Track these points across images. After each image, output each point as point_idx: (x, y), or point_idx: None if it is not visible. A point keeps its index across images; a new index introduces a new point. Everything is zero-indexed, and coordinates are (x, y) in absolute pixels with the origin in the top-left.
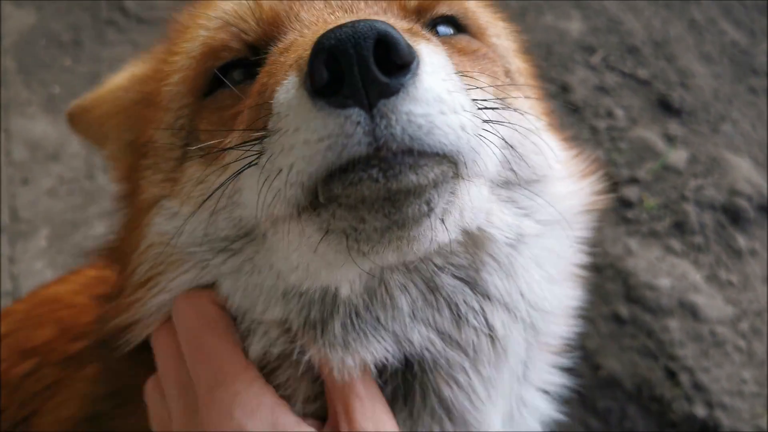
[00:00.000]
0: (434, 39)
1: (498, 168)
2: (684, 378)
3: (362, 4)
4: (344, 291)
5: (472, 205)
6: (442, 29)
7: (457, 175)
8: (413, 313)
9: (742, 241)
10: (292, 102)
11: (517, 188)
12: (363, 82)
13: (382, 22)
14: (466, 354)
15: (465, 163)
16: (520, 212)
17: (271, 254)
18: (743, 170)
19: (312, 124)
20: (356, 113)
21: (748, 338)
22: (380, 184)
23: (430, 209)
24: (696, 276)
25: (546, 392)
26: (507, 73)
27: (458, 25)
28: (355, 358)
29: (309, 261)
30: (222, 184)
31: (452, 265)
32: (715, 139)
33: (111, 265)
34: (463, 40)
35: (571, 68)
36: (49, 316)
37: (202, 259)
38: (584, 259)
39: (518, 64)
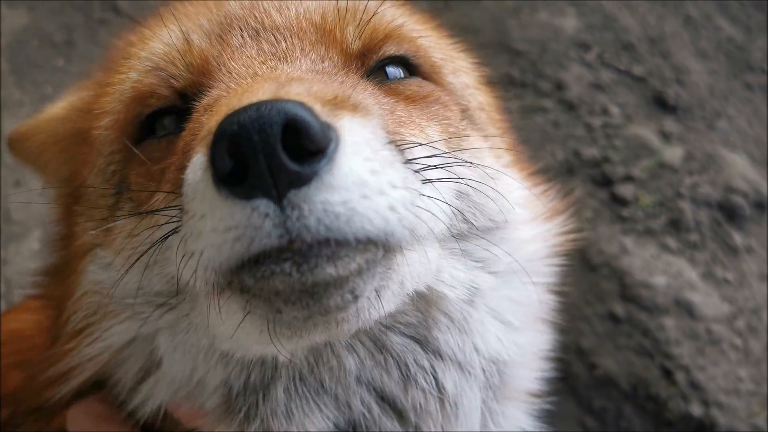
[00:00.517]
0: (367, 101)
1: (449, 223)
2: (680, 377)
3: (298, 51)
4: (282, 358)
5: (415, 272)
6: (392, 71)
7: (391, 251)
8: (360, 375)
9: (738, 238)
10: (198, 186)
11: (472, 239)
12: (270, 171)
13: (294, 102)
14: (404, 420)
15: (398, 242)
16: (474, 265)
17: (204, 316)
18: (739, 167)
19: (217, 213)
20: (264, 204)
21: (745, 336)
22: (294, 278)
23: (356, 297)
24: (692, 274)
25: None
26: (464, 111)
27: (410, 66)
28: (296, 428)
29: (236, 335)
30: (152, 245)
31: (401, 323)
32: (711, 136)
33: (45, 310)
34: (413, 84)
35: (566, 65)
36: (16, 357)
37: (139, 311)
38: (552, 302)
39: (479, 99)
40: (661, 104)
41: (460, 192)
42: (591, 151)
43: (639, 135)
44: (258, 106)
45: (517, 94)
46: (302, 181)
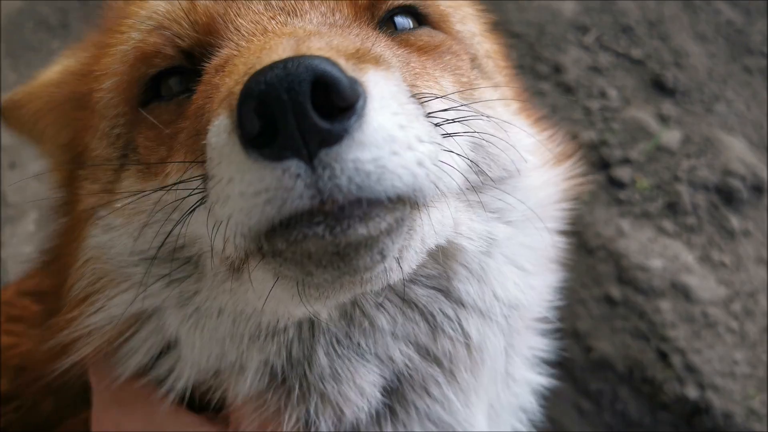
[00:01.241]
0: (386, 54)
1: (466, 176)
2: (676, 359)
3: (307, 4)
4: (324, 316)
5: (436, 228)
6: (401, 21)
7: (416, 208)
8: (393, 330)
9: (735, 221)
10: (223, 149)
11: (487, 189)
12: (300, 130)
13: (320, 58)
14: (441, 366)
15: (424, 198)
16: (490, 216)
17: (217, 297)
18: (737, 150)
19: (246, 176)
20: (295, 165)
21: (741, 319)
22: (327, 240)
23: (383, 256)
24: (688, 257)
25: (534, 363)
26: (473, 60)
27: (418, 15)
28: (351, 388)
29: (267, 301)
30: (177, 222)
31: (423, 276)
32: (709, 119)
33: (49, 279)
34: (423, 34)
35: (564, 48)
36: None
37: (141, 282)
38: (563, 243)
39: (486, 47)
40: (660, 87)
41: (475, 144)
42: (588, 134)
43: (637, 118)
44: (284, 63)
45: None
46: (333, 139)
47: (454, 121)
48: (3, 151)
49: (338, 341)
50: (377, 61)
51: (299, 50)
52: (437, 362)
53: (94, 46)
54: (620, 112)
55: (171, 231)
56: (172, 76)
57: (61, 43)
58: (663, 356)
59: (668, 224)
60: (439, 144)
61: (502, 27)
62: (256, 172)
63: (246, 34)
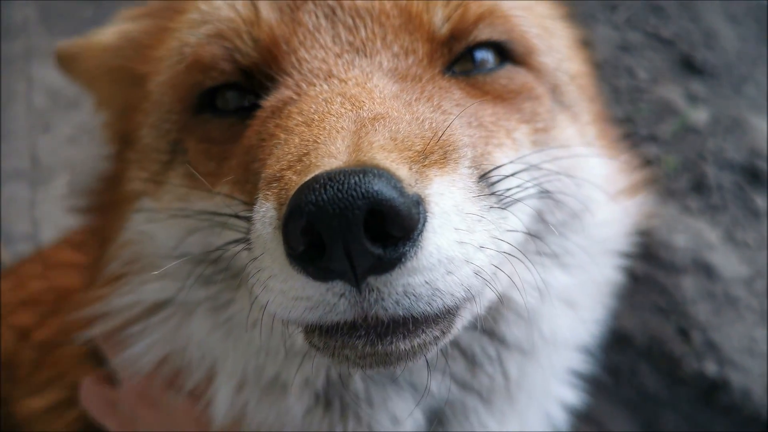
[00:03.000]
0: (456, 137)
1: (527, 226)
2: (695, 336)
3: (379, 42)
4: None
5: (484, 301)
6: (481, 56)
7: (467, 303)
8: (427, 364)
9: (759, 201)
10: (268, 244)
11: (548, 235)
12: (349, 254)
13: (380, 177)
14: (480, 396)
15: (476, 296)
16: (548, 262)
17: (253, 310)
18: (764, 131)
19: (289, 281)
20: (340, 286)
21: (762, 298)
22: (366, 350)
23: (427, 353)
24: (712, 235)
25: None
26: (555, 91)
27: (502, 50)
28: (385, 414)
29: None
30: (219, 248)
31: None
32: (738, 100)
33: (87, 246)
34: (503, 77)
35: (593, 26)
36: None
37: (177, 274)
38: (621, 278)
39: (571, 69)
40: (689, 67)
41: (542, 189)
42: (615, 112)
43: (664, 97)
44: (339, 183)
45: None
46: (384, 267)
47: (519, 186)
48: (37, 114)
49: None
50: (445, 157)
51: (359, 153)
52: (476, 393)
53: (156, 17)
54: (648, 91)
55: (213, 245)
56: (230, 89)
57: (93, 11)
58: (683, 332)
59: (693, 203)
60: (499, 239)
61: None
62: (300, 281)
63: (308, 74)
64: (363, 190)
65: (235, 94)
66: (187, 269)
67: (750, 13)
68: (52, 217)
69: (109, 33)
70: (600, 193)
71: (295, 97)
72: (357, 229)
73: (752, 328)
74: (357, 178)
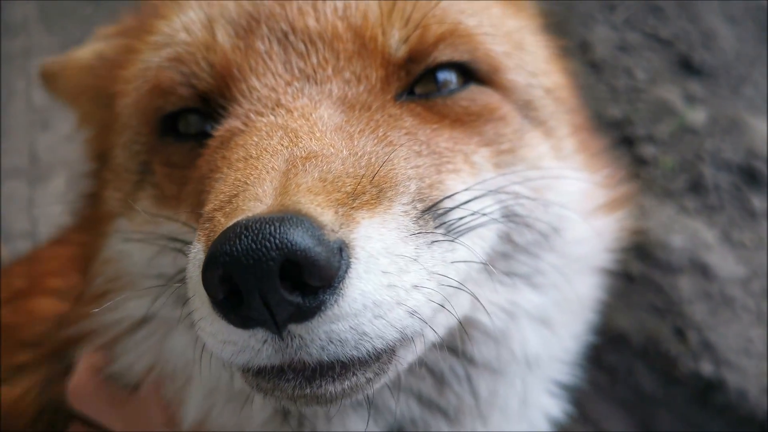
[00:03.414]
0: (396, 173)
1: (493, 248)
2: (692, 335)
3: (330, 69)
4: None
5: (437, 332)
6: (443, 77)
7: (406, 343)
8: (395, 382)
9: (756, 202)
10: (196, 286)
11: (517, 255)
12: (267, 303)
13: (296, 228)
14: (446, 416)
15: (410, 340)
16: (519, 282)
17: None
18: (762, 132)
19: (215, 325)
20: (261, 333)
21: (758, 299)
22: (296, 392)
23: (364, 392)
24: (709, 235)
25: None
26: (526, 107)
27: (466, 71)
28: (340, 430)
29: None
30: (181, 271)
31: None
32: (735, 101)
33: (77, 259)
34: (464, 98)
35: (591, 26)
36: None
37: (156, 292)
38: (600, 293)
39: (546, 83)
40: (687, 67)
41: (508, 212)
42: (613, 112)
43: (662, 97)
44: (254, 233)
45: None
46: (303, 315)
47: (474, 213)
48: (36, 112)
49: None
50: (378, 198)
51: (285, 197)
52: (441, 412)
53: (127, 36)
54: (646, 91)
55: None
56: (191, 113)
57: (93, 9)
58: (679, 332)
59: (690, 203)
60: (444, 275)
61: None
62: (224, 326)
63: (257, 103)
64: (277, 241)
65: (197, 117)
66: (163, 288)
67: (748, 14)
68: (51, 215)
69: (87, 51)
70: (576, 207)
71: (242, 127)
72: (272, 279)
73: (748, 328)
74: (272, 228)
